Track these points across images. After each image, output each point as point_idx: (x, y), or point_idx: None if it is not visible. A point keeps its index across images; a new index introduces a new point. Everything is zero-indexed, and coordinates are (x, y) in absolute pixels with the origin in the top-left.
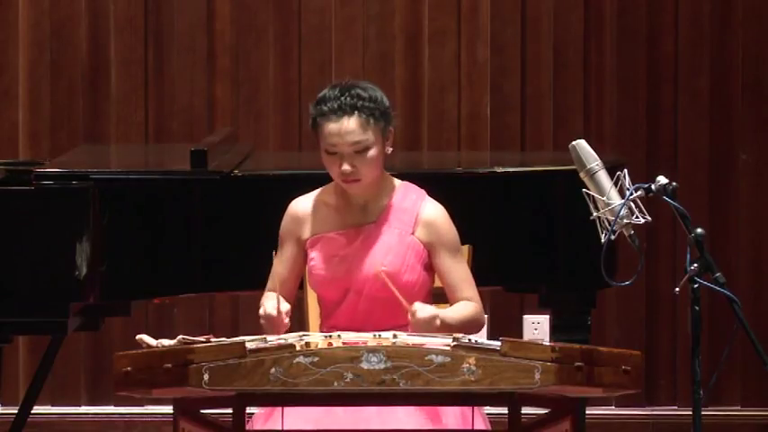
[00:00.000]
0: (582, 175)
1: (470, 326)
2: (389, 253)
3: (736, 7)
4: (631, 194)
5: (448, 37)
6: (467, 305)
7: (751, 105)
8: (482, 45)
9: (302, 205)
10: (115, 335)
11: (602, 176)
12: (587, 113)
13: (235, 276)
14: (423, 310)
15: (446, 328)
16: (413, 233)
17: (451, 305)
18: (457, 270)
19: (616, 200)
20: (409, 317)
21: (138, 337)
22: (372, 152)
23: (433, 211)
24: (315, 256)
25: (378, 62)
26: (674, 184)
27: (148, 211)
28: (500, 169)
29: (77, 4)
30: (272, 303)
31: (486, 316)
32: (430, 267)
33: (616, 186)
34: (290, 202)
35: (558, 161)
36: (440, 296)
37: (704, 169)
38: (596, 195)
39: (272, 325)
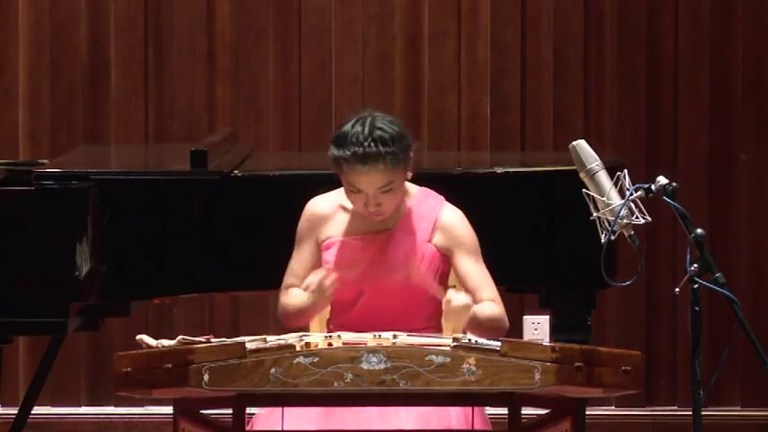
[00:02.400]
0: (582, 175)
1: (497, 326)
2: (404, 262)
3: (736, 7)
4: (631, 195)
5: (448, 37)
6: (492, 305)
7: (751, 105)
8: (482, 45)
9: (320, 206)
10: (115, 335)
11: (602, 177)
12: (587, 113)
13: (235, 276)
14: (457, 298)
15: (475, 323)
16: (430, 240)
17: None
18: (477, 272)
19: (616, 200)
20: (443, 304)
21: (138, 337)
22: (396, 188)
23: (451, 216)
24: (330, 260)
25: (378, 62)
26: (674, 184)
27: (148, 211)
28: (500, 169)
29: (77, 4)
30: (317, 276)
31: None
32: (443, 275)
33: (616, 186)
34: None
35: (558, 161)
36: None
37: (704, 169)
38: (596, 196)
39: (322, 297)
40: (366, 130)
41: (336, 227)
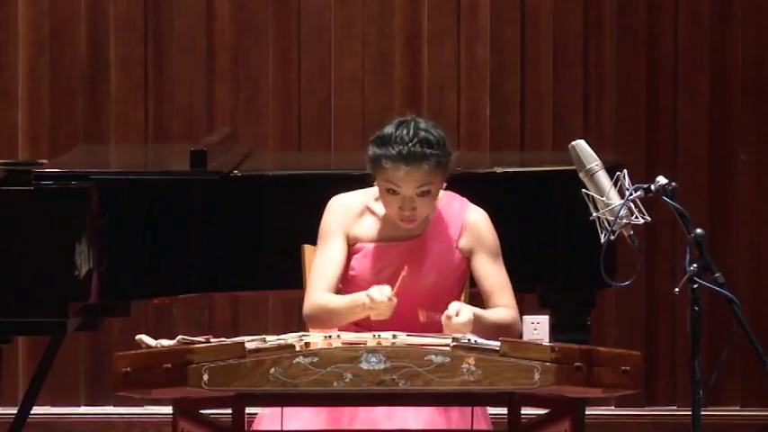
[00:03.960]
0: (581, 175)
1: (506, 332)
2: (433, 269)
3: (736, 7)
4: (631, 195)
5: (448, 37)
6: (504, 312)
7: (751, 105)
8: (482, 45)
9: (349, 202)
10: (115, 335)
11: (602, 177)
12: (587, 113)
13: (234, 276)
14: (457, 318)
15: (482, 328)
16: (457, 246)
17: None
18: (496, 275)
19: (616, 200)
20: (444, 319)
21: (137, 337)
22: (433, 194)
23: (477, 216)
24: (356, 266)
25: (378, 62)
26: (674, 184)
27: (148, 211)
28: (500, 169)
29: (77, 4)
30: (379, 290)
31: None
32: (464, 277)
33: (616, 186)
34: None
35: (558, 161)
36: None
37: (704, 169)
38: (596, 195)
39: (387, 308)
40: (411, 131)
41: (364, 228)
